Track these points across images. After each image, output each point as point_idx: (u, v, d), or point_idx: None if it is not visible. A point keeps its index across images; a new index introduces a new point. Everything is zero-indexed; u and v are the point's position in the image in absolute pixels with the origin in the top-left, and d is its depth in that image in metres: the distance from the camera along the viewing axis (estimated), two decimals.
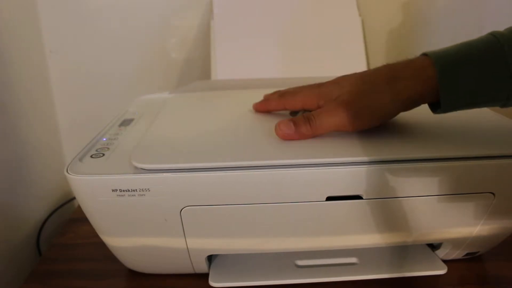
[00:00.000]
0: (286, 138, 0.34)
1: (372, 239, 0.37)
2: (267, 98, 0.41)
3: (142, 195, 0.32)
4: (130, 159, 0.32)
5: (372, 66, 0.64)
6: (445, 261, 0.40)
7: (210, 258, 0.40)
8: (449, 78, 0.31)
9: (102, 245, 0.38)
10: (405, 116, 0.40)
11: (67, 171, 0.33)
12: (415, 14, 0.64)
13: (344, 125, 0.33)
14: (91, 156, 0.35)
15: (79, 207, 0.37)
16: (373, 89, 0.33)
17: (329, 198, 0.33)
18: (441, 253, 0.41)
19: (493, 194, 0.34)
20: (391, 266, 0.39)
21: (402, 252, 0.41)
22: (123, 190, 0.32)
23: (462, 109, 0.33)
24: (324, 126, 0.34)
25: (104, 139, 0.38)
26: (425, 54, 0.33)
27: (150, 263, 0.40)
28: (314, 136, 0.34)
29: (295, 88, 0.39)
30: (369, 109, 0.33)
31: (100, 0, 0.63)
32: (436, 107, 0.33)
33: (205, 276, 0.39)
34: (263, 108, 0.41)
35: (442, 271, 0.38)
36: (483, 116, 0.40)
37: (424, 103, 0.34)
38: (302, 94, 0.38)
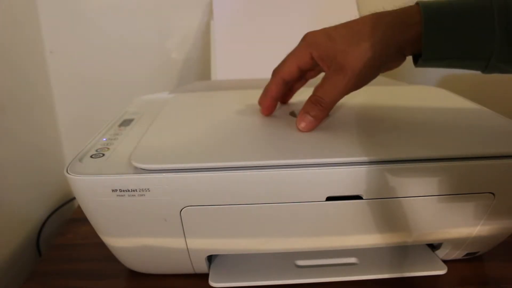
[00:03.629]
0: (310, 129, 0.35)
1: (372, 239, 0.37)
2: (264, 89, 0.40)
3: (142, 195, 0.32)
4: (130, 159, 0.32)
5: None
6: (445, 261, 0.40)
7: (210, 258, 0.40)
8: (434, 25, 0.31)
9: (102, 245, 0.38)
10: (405, 115, 0.40)
11: (67, 171, 0.33)
12: None
13: (349, 90, 0.34)
14: (91, 156, 0.35)
15: (79, 207, 0.37)
16: (368, 40, 0.33)
17: (329, 198, 0.33)
18: (441, 253, 0.41)
19: (493, 194, 0.34)
20: (391, 266, 0.39)
21: (402, 252, 0.41)
22: (123, 190, 0.32)
23: (443, 63, 0.33)
24: (334, 100, 0.35)
25: (104, 139, 0.38)
26: (417, 4, 0.33)
27: (150, 263, 0.40)
28: (329, 111, 0.36)
29: (288, 55, 0.38)
30: (369, 66, 0.33)
31: (100, 0, 0.63)
32: (417, 59, 0.34)
33: (205, 276, 0.39)
34: (268, 101, 0.39)
35: (442, 271, 0.38)
36: (483, 116, 0.40)
37: (408, 51, 0.34)
38: (292, 57, 0.37)
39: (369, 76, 0.34)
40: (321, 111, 0.35)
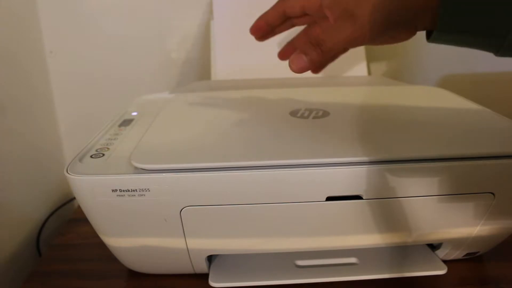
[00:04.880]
0: (301, 71, 0.33)
1: (372, 239, 0.37)
2: (261, 15, 0.39)
3: (142, 195, 0.32)
4: (130, 159, 0.32)
5: (372, 66, 0.64)
6: (445, 261, 0.40)
7: (210, 258, 0.40)
8: None
9: (102, 245, 0.38)
10: (405, 115, 0.40)
11: (67, 171, 0.33)
12: None
13: (354, 40, 0.31)
14: (91, 156, 0.35)
15: (79, 207, 0.37)
16: None
17: (329, 198, 0.33)
18: (441, 253, 0.41)
19: (493, 194, 0.34)
20: (391, 266, 0.39)
21: (402, 252, 0.41)
22: (123, 190, 0.32)
23: (457, 38, 0.31)
24: (336, 46, 0.32)
25: (104, 139, 0.38)
26: None
27: (150, 263, 0.40)
28: (327, 58, 0.33)
29: None
30: (381, 22, 0.31)
31: (100, 0, 0.63)
32: (430, 35, 0.32)
33: (205, 276, 0.39)
34: (261, 22, 0.38)
35: (442, 271, 0.38)
36: (483, 116, 0.40)
37: (421, 22, 0.32)
38: None
39: (378, 33, 0.31)
40: (319, 55, 0.32)
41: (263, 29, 0.38)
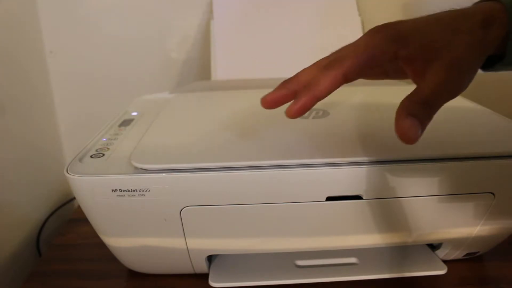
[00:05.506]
0: (417, 137, 0.26)
1: (372, 239, 0.37)
2: (301, 81, 0.28)
3: (142, 195, 0.32)
4: (130, 159, 0.32)
5: None
6: (445, 261, 0.40)
7: (210, 258, 0.40)
8: None
9: (102, 245, 0.38)
10: None
11: (67, 171, 0.33)
12: (415, 14, 0.64)
13: (458, 89, 0.27)
14: (91, 156, 0.35)
15: (79, 207, 0.37)
16: (471, 34, 0.27)
17: (329, 198, 0.33)
18: (441, 253, 0.41)
19: (493, 194, 0.34)
20: (391, 266, 0.39)
21: (402, 252, 0.41)
22: (123, 190, 0.32)
23: None
24: (443, 102, 0.27)
25: (104, 139, 0.38)
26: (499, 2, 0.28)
27: (150, 263, 0.40)
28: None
29: (348, 47, 0.28)
30: (472, 68, 0.27)
31: (100, 0, 0.63)
32: (488, 64, 0.30)
33: (205, 276, 0.39)
34: (309, 99, 0.26)
35: (442, 271, 0.38)
36: (483, 116, 0.40)
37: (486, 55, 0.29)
38: (366, 49, 0.27)
39: (473, 74, 0.28)
40: (430, 116, 0.26)
41: (310, 107, 0.27)
